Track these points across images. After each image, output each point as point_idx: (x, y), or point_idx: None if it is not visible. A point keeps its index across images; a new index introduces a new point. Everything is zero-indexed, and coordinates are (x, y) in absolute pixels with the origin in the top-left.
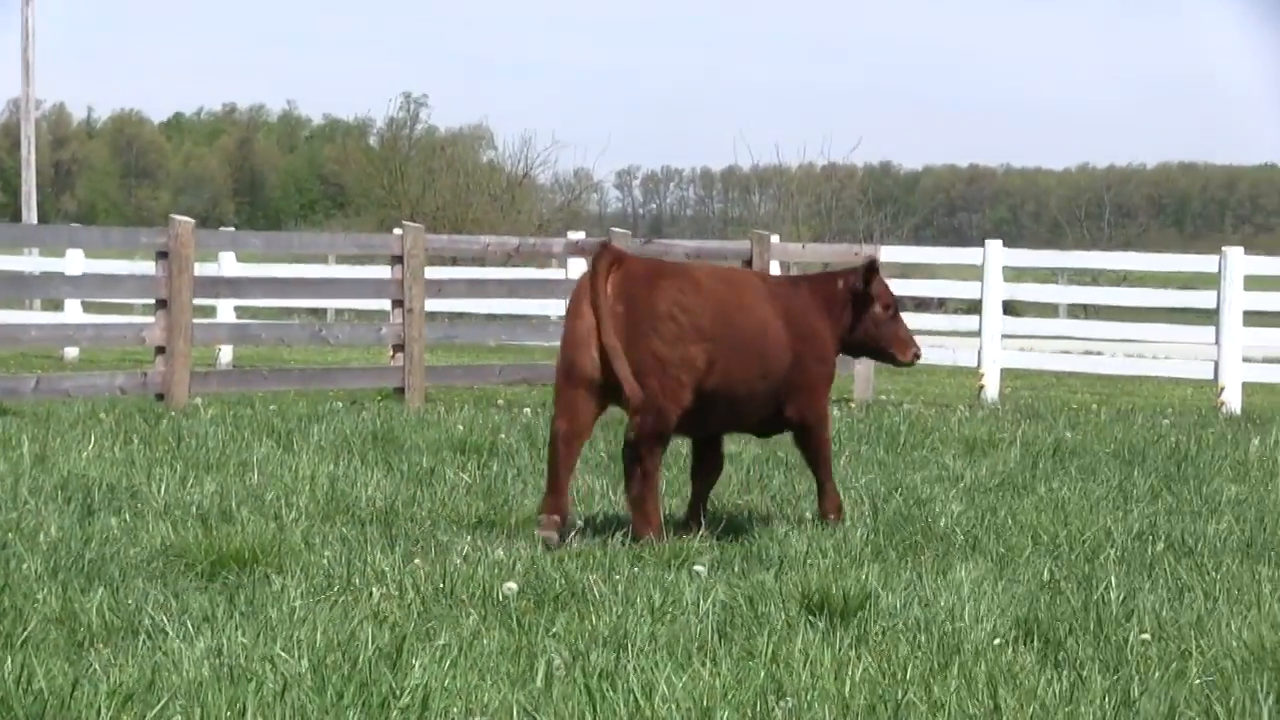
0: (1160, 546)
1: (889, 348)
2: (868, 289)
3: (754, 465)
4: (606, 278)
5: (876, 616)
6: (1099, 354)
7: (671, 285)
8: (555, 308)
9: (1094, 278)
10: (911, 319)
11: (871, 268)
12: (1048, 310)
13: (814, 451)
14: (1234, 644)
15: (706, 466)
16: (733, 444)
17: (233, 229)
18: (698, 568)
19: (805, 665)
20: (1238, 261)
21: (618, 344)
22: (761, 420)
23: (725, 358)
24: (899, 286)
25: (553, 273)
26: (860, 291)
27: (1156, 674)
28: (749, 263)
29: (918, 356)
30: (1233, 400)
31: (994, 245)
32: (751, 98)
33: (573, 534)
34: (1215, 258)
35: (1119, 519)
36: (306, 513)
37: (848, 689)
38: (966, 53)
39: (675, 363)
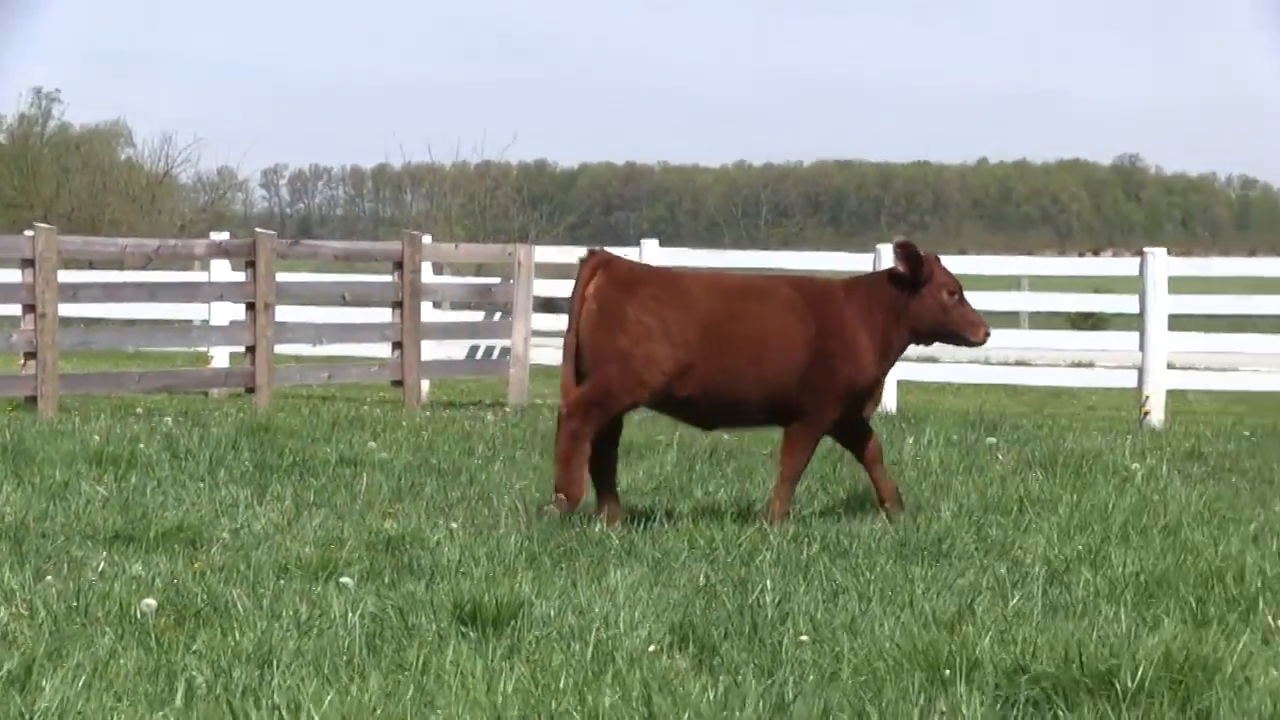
0: (816, 548)
1: (960, 330)
2: (918, 274)
3: (405, 473)
4: (589, 282)
5: (530, 625)
6: None
7: (646, 291)
8: (198, 312)
9: None
10: (563, 321)
11: (912, 253)
12: None
13: (791, 441)
14: (887, 644)
15: (859, 449)
16: (384, 450)
17: None
18: (345, 580)
19: (457, 677)
20: (890, 259)
21: (573, 344)
22: (776, 418)
23: (706, 363)
24: (555, 288)
25: (195, 275)
26: (910, 278)
27: (811, 676)
28: (399, 264)
29: (988, 334)
30: (888, 399)
31: (650, 245)
32: (403, 94)
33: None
34: (870, 255)
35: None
36: None
37: (500, 701)
38: (623, 47)
39: (638, 359)
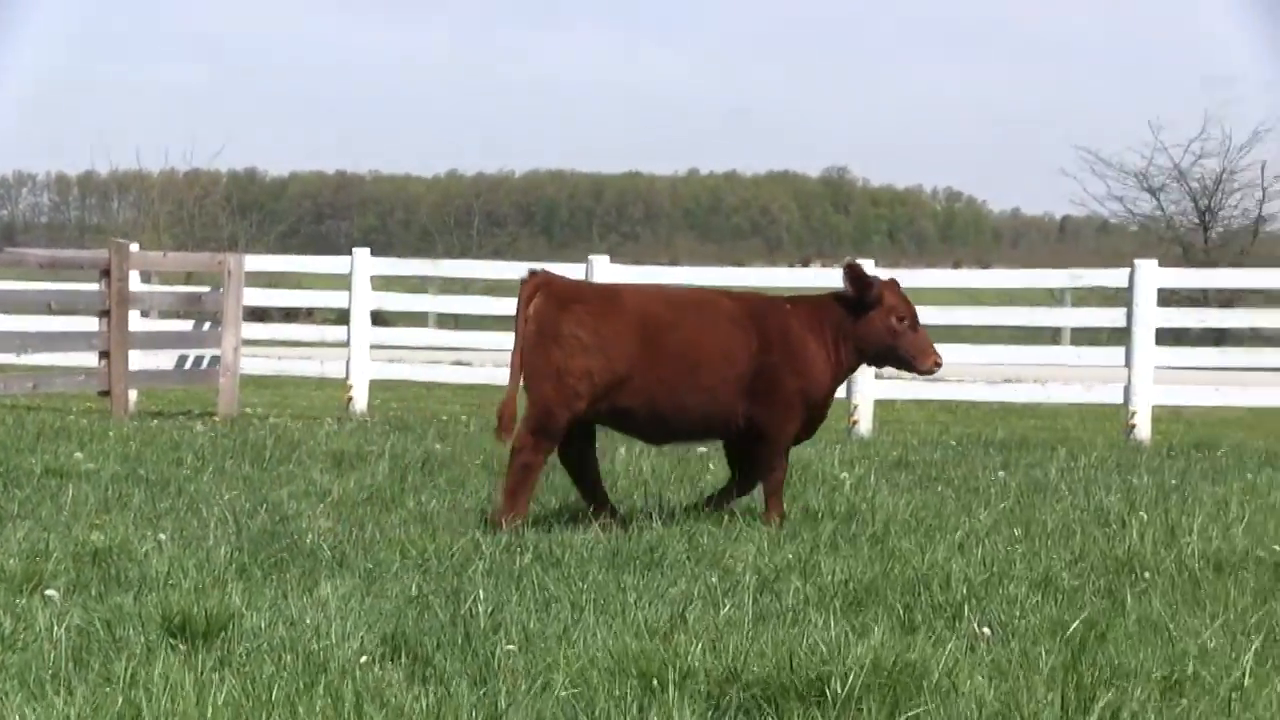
0: (529, 558)
1: (908, 357)
2: (865, 297)
3: (112, 484)
4: (529, 302)
5: (240, 637)
6: (468, 364)
7: (581, 307)
8: None
9: (464, 287)
10: (279, 330)
11: (859, 275)
12: (418, 320)
13: (760, 460)
14: (600, 653)
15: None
16: (91, 460)
17: None
18: (50, 592)
19: (166, 690)
20: (604, 269)
21: (519, 362)
22: (725, 433)
23: (643, 375)
24: (264, 297)
25: None
26: (855, 301)
27: (524, 686)
28: (107, 273)
29: (938, 364)
30: None
31: (361, 254)
32: (109, 99)
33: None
34: (583, 266)
35: (487, 531)
36: None
37: (210, 713)
38: (332, 54)
39: (572, 372)
